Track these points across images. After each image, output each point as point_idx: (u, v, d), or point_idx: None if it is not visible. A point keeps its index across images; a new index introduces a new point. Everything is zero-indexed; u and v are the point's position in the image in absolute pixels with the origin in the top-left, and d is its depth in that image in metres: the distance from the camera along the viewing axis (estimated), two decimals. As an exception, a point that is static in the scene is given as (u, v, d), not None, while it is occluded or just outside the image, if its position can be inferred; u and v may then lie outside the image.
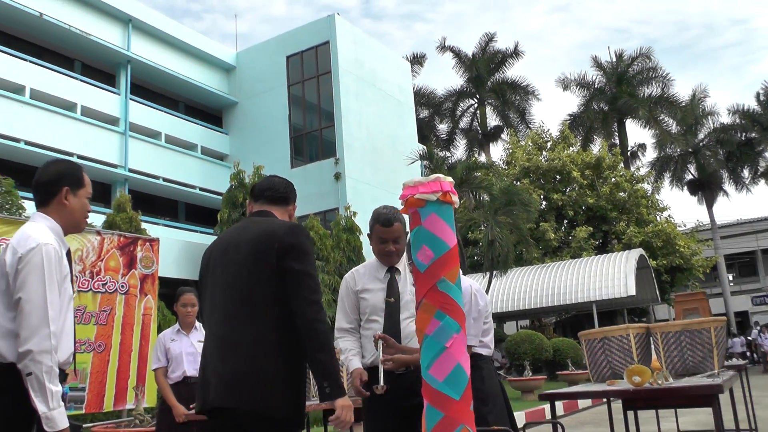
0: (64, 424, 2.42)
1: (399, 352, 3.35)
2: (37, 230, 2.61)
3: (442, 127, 43.80)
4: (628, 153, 39.91)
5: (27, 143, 21.76)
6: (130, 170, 24.90)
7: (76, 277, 7.46)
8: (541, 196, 32.33)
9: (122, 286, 7.96)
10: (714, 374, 4.16)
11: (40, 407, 2.38)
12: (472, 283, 3.56)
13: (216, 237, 3.20)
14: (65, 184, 2.77)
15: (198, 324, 6.15)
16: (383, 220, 3.67)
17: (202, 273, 3.02)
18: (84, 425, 8.46)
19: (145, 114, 26.47)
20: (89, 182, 2.93)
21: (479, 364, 3.46)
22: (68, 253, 2.74)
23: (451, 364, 1.99)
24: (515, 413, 11.37)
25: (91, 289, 7.59)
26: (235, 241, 2.92)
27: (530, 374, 18.35)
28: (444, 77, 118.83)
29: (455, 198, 2.09)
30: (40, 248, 2.53)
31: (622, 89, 38.31)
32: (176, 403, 5.74)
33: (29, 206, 14.81)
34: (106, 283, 7.78)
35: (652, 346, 4.95)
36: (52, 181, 2.76)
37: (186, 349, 5.97)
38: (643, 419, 6.35)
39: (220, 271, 2.89)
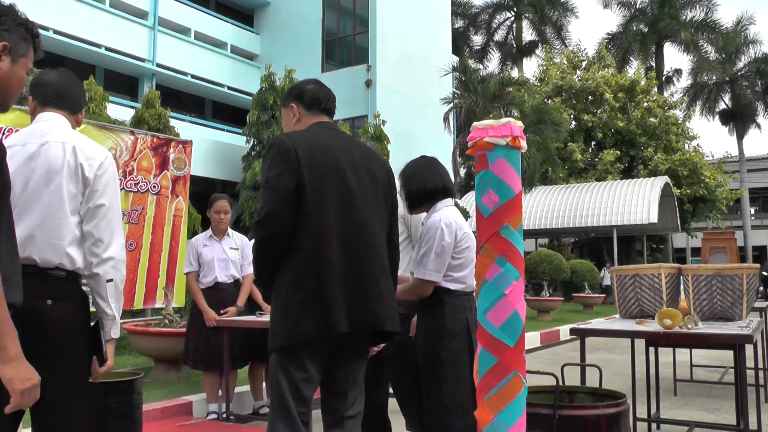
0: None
1: None
2: (89, 139, 2.55)
3: (477, 39, 42.98)
4: (663, 78, 39.04)
5: (55, 32, 21.59)
6: (158, 65, 24.71)
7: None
8: (571, 116, 31.91)
9: (154, 187, 8.01)
10: (744, 325, 4.16)
11: (115, 313, 2.44)
12: (442, 218, 3.47)
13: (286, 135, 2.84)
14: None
15: (230, 230, 6.20)
16: None
17: (316, 163, 2.72)
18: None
19: (175, 9, 26.03)
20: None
21: (443, 298, 3.44)
22: None
23: (509, 310, 2.00)
24: (530, 332, 11.70)
25: (123, 188, 7.64)
26: (352, 154, 2.89)
27: (548, 294, 18.56)
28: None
29: (524, 143, 2.05)
30: (111, 158, 2.50)
31: (663, 11, 37.13)
32: (207, 307, 5.86)
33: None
34: (138, 183, 7.82)
35: (682, 287, 4.95)
36: None
37: (218, 256, 6.04)
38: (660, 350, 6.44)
39: (350, 185, 2.79)
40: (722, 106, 41.43)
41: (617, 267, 5.09)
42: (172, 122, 16.79)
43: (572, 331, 4.26)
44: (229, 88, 27.19)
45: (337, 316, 2.58)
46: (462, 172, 28.39)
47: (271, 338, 2.66)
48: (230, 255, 6.06)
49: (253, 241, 2.89)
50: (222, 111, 28.28)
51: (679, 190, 29.68)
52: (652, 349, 5.82)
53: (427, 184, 3.57)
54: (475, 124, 2.07)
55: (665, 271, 4.79)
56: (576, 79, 33.02)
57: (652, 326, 4.16)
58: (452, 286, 3.46)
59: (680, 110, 34.69)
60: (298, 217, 2.64)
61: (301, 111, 3.01)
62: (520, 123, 2.07)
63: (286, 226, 2.63)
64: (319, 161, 2.72)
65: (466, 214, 20.14)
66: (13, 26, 2.03)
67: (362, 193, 2.80)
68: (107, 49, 23.07)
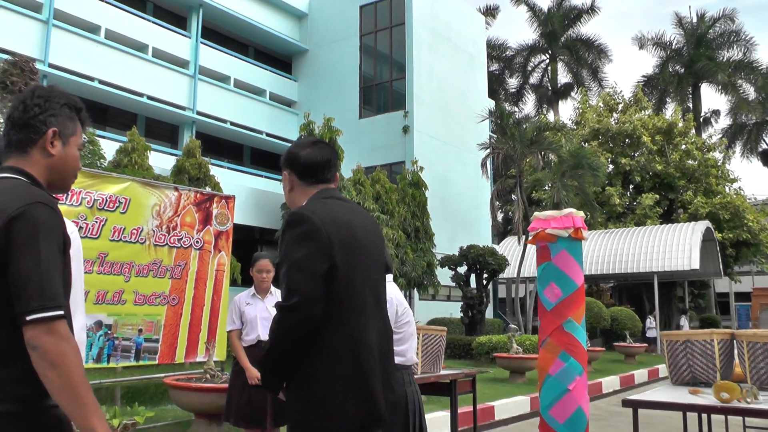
0: None
1: None
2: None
3: (512, 82, 43.23)
4: (701, 119, 38.71)
5: (100, 82, 22.16)
6: (198, 113, 25.19)
7: (153, 231, 7.60)
8: (609, 160, 31.68)
9: (197, 242, 8.06)
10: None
11: None
12: (389, 291, 3.36)
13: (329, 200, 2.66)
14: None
15: (273, 288, 6.20)
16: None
17: (345, 243, 2.54)
18: (156, 375, 8.74)
19: (214, 57, 26.60)
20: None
21: None
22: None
23: (573, 406, 1.95)
24: None
25: (167, 243, 7.71)
26: (365, 226, 2.69)
27: (588, 344, 18.18)
28: (516, 30, 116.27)
29: (586, 233, 2.02)
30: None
31: (700, 52, 36.97)
32: (249, 365, 5.84)
33: (104, 144, 15.16)
34: (181, 239, 7.89)
35: (736, 352, 4.81)
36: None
37: (261, 314, 6.03)
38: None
39: (372, 259, 2.65)
40: (764, 146, 40.87)
41: (668, 333, 4.96)
42: (212, 170, 17.02)
43: (625, 403, 4.14)
44: (268, 134, 27.59)
45: (380, 403, 2.47)
46: (499, 217, 28.27)
47: (301, 425, 2.47)
48: (273, 313, 6.04)
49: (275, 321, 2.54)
50: (260, 157, 28.62)
51: (720, 234, 29.13)
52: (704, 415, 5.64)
53: None
54: (536, 214, 2.05)
55: (717, 337, 4.66)
56: (613, 122, 32.87)
57: (707, 398, 4.02)
58: (397, 360, 3.35)
59: (719, 152, 34.26)
60: (329, 299, 2.44)
61: (294, 180, 2.73)
62: (581, 213, 2.04)
63: (319, 312, 2.40)
64: (346, 241, 2.52)
65: (504, 262, 19.97)
66: (58, 108, 2.05)
67: (378, 270, 2.68)
68: (149, 98, 23.60)
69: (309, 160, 2.69)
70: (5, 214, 1.79)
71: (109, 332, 7.27)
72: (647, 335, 25.06)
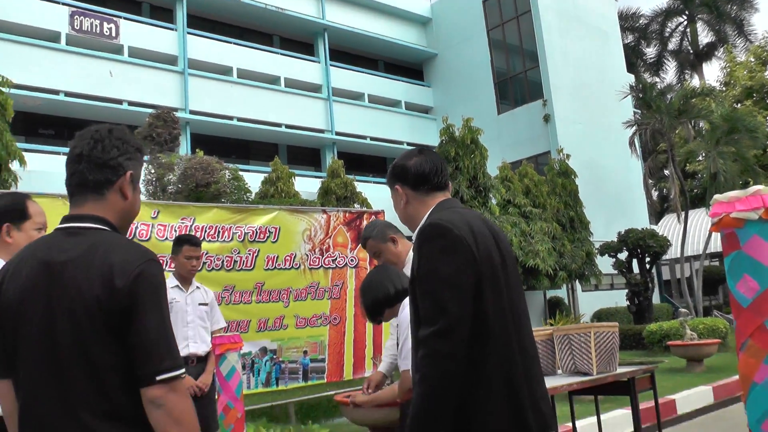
0: None
1: None
2: None
3: (650, 51, 41.21)
4: None
5: (239, 119, 23.15)
6: (337, 133, 25.74)
7: (307, 255, 7.70)
8: (767, 118, 29.44)
9: (351, 260, 8.13)
10: None
11: None
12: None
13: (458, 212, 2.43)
14: (6, 220, 2.55)
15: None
16: None
17: (486, 255, 2.29)
18: (326, 393, 8.84)
19: (346, 78, 27.12)
20: (38, 211, 2.65)
21: None
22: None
23: (789, 415, 1.67)
24: (701, 387, 9.08)
25: (321, 265, 7.81)
26: (498, 235, 2.44)
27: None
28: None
29: None
30: None
31: None
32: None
33: (248, 178, 15.71)
34: (335, 259, 7.97)
35: None
36: None
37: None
38: None
39: (510, 271, 2.40)
40: None
41: None
42: (358, 187, 17.22)
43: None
44: (408, 144, 27.75)
45: (532, 428, 2.19)
46: (654, 195, 26.92)
47: None
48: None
49: (420, 356, 2.18)
50: (403, 168, 28.83)
51: None
52: None
53: (379, 295, 3.32)
54: (716, 197, 1.78)
55: None
56: (767, 76, 30.53)
57: None
58: None
59: None
60: (473, 318, 2.17)
61: (408, 192, 2.54)
62: (769, 189, 1.74)
63: (467, 336, 2.13)
64: (484, 252, 2.27)
65: (666, 243, 18.94)
66: (133, 152, 2.00)
67: (516, 282, 2.40)
68: (287, 126, 24.40)
69: (420, 168, 2.52)
70: (128, 273, 1.75)
71: (274, 357, 7.45)
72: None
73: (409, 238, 2.75)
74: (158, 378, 1.73)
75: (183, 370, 1.79)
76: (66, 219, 1.91)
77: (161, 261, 6.37)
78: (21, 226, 2.52)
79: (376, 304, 3.33)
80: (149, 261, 1.81)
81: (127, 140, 2.00)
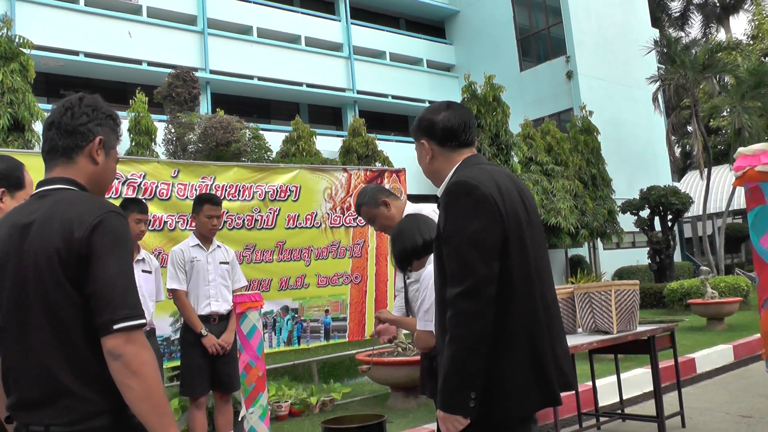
0: None
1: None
2: None
3: (675, 5, 40.35)
4: None
5: (259, 79, 23.06)
6: (359, 92, 25.60)
7: (328, 214, 7.71)
8: (797, 71, 28.79)
9: (372, 219, 8.13)
10: None
11: None
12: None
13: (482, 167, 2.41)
14: (3, 185, 2.52)
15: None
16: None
17: (512, 213, 2.28)
18: (348, 352, 8.94)
19: (367, 36, 26.87)
20: (30, 182, 2.58)
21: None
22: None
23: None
24: (721, 346, 8.95)
25: (343, 224, 7.82)
26: (524, 192, 2.43)
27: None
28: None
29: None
30: None
31: None
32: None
33: (269, 137, 15.71)
34: (357, 217, 7.97)
35: None
36: None
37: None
38: None
39: (536, 231, 2.40)
40: None
41: None
42: (380, 146, 17.18)
43: None
44: (430, 102, 27.52)
45: (555, 387, 2.24)
46: (677, 151, 26.56)
47: (478, 417, 2.20)
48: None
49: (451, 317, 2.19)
50: (425, 126, 28.66)
51: None
52: None
53: (407, 246, 3.20)
54: (740, 150, 1.76)
55: None
56: (797, 29, 29.89)
57: None
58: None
59: None
60: (500, 277, 2.18)
61: (434, 148, 2.51)
62: (793, 144, 1.71)
63: (494, 295, 2.14)
64: (512, 210, 2.27)
65: (688, 200, 18.76)
66: (104, 119, 2.02)
67: (540, 240, 2.40)
68: (308, 85, 24.28)
69: (448, 124, 2.48)
70: (86, 224, 1.77)
71: (296, 315, 7.50)
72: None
73: (434, 197, 2.69)
74: (115, 327, 1.72)
75: (143, 321, 1.77)
76: (38, 184, 1.96)
77: (182, 220, 6.49)
78: (15, 195, 2.55)
79: (404, 255, 3.28)
80: (110, 212, 1.83)
81: (98, 107, 2.02)
